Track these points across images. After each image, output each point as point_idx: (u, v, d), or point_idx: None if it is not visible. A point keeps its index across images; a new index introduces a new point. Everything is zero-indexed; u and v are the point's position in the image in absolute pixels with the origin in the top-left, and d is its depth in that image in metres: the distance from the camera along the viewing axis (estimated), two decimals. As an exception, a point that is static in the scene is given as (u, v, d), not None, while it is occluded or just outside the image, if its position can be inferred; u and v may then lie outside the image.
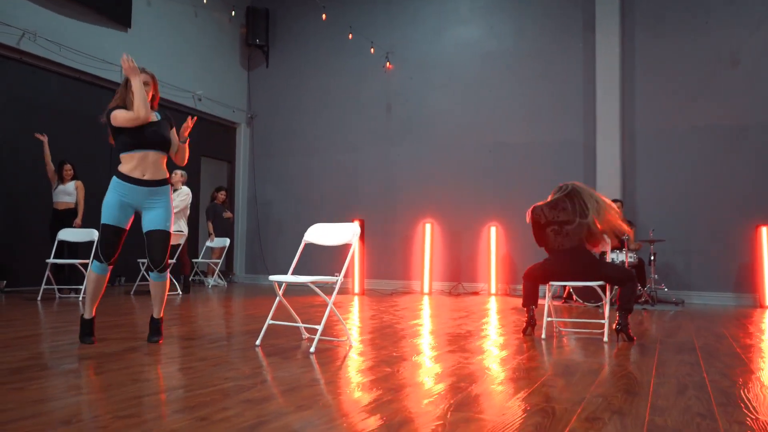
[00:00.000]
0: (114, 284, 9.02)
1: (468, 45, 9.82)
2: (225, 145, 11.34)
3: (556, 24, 9.22)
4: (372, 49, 10.18)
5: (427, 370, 3.12)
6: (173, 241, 7.85)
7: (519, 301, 7.94)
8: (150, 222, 3.77)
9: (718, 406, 2.45)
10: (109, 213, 3.68)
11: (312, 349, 3.63)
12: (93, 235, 7.01)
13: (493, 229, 9.28)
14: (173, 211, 3.75)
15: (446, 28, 10.00)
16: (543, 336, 4.47)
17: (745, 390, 2.76)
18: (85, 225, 7.44)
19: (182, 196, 8.24)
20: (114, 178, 3.74)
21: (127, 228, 3.77)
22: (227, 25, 11.05)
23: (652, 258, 7.73)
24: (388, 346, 3.91)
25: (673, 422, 2.20)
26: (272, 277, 3.89)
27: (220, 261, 9.73)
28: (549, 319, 4.68)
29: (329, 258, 9.67)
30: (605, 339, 4.28)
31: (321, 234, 4.20)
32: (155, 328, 3.89)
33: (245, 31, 11.24)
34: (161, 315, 3.91)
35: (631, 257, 7.45)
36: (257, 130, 11.46)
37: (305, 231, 4.27)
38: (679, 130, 8.43)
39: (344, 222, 4.51)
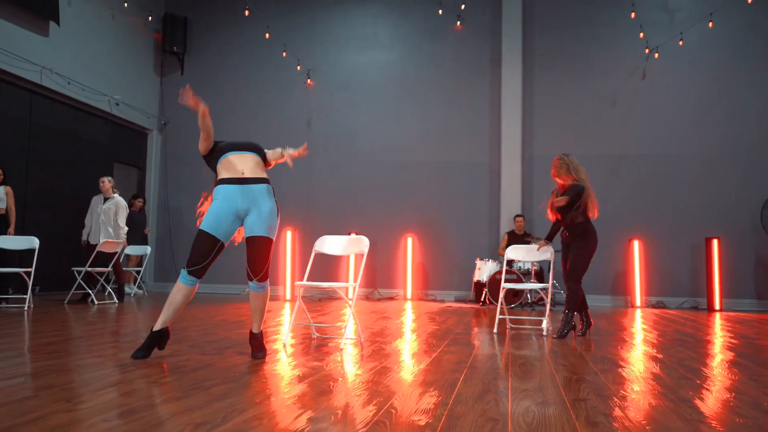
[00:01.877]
0: (34, 292, 8.57)
1: (387, 69, 10.63)
2: (136, 150, 11.12)
3: (468, 57, 10.34)
4: (299, 66, 10.63)
5: (451, 359, 3.81)
6: (111, 249, 7.76)
7: (436, 306, 8.83)
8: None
9: (703, 368, 3.41)
10: None
11: (342, 345, 4.17)
12: (32, 242, 6.81)
13: (409, 240, 10.14)
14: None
15: (367, 51, 10.73)
16: (495, 330, 5.37)
17: (706, 362, 3.78)
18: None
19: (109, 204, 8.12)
20: None
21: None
22: (143, 30, 10.90)
23: (551, 265, 9.01)
24: (390, 342, 4.54)
25: (674, 378, 3.11)
26: (298, 282, 4.36)
27: (142, 269, 9.60)
28: (501, 317, 5.61)
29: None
30: (545, 332, 5.26)
31: (331, 244, 4.72)
32: (256, 343, 3.74)
33: (160, 37, 11.14)
34: (261, 329, 3.78)
35: (537, 266, 8.69)
36: (169, 137, 11.37)
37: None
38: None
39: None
